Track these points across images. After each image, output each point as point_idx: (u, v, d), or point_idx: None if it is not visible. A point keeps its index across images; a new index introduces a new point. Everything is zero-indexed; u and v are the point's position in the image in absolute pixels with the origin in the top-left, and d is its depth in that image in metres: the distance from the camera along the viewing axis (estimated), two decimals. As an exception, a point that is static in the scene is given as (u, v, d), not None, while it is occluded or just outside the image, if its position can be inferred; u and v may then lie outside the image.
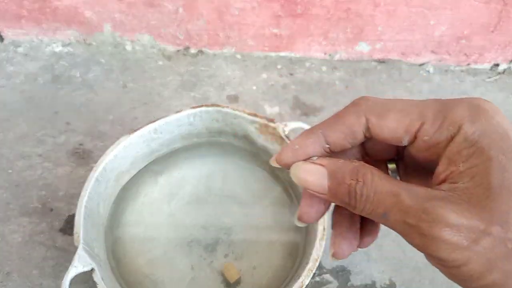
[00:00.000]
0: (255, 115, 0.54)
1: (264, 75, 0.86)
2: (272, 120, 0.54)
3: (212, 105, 0.55)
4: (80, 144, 0.68)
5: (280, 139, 0.53)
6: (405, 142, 0.18)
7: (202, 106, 0.55)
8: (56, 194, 0.61)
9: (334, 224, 0.21)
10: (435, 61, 0.91)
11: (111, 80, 0.81)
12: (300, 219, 0.20)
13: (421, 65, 0.91)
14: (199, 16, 0.82)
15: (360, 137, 0.19)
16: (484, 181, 0.15)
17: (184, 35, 0.85)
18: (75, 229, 0.43)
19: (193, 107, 0.55)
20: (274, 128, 0.53)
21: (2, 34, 0.85)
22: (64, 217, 0.59)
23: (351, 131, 0.19)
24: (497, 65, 0.92)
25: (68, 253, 0.55)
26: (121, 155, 0.52)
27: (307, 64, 0.89)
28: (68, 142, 0.69)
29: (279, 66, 0.88)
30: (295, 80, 0.85)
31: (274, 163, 0.20)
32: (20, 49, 0.86)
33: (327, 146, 0.19)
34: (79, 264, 0.39)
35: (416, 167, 0.20)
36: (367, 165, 0.18)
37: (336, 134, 0.19)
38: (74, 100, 0.76)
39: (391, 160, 0.21)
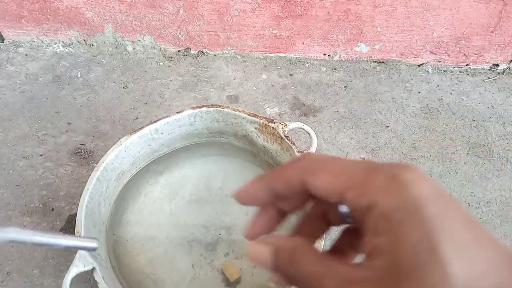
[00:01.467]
0: (255, 115, 0.54)
1: (264, 76, 0.86)
2: (272, 121, 0.54)
3: (213, 105, 0.56)
4: (81, 144, 0.69)
5: (280, 139, 0.54)
6: (337, 202, 0.19)
7: (202, 106, 0.56)
8: (57, 193, 0.62)
9: None
10: (434, 61, 0.91)
11: (112, 80, 0.81)
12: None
13: (420, 65, 0.92)
14: (199, 17, 0.82)
15: (299, 191, 0.20)
16: (395, 262, 0.15)
17: (185, 36, 0.86)
18: (76, 229, 0.43)
19: (194, 108, 0.55)
20: (274, 128, 0.54)
21: (2, 34, 0.85)
22: (65, 216, 0.59)
23: (291, 185, 0.20)
24: (497, 65, 0.92)
25: (69, 253, 0.55)
26: (122, 155, 0.52)
27: (307, 65, 0.90)
28: (69, 142, 0.69)
29: (279, 67, 0.89)
30: (295, 80, 0.86)
31: (233, 197, 0.23)
32: (20, 49, 0.86)
33: (274, 193, 0.21)
34: (80, 264, 0.39)
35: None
36: (300, 245, 0.19)
37: (279, 185, 0.20)
38: (75, 100, 0.76)
39: None
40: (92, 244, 0.26)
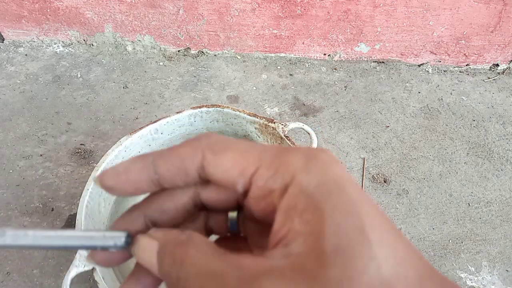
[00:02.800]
0: (255, 115, 0.54)
1: (264, 76, 0.86)
2: (272, 120, 0.54)
3: (213, 105, 0.55)
4: (81, 144, 0.69)
5: (280, 139, 0.54)
6: (240, 188, 0.16)
7: (202, 106, 0.55)
8: (57, 194, 0.62)
9: None
10: (434, 61, 0.91)
11: (112, 80, 0.81)
12: None
13: (420, 65, 0.92)
14: (199, 17, 0.82)
15: (192, 174, 0.16)
16: (317, 245, 0.13)
17: (185, 35, 0.86)
18: (76, 229, 0.43)
19: (194, 108, 0.55)
20: (274, 128, 0.53)
21: (2, 34, 0.85)
22: (65, 216, 0.59)
23: (183, 166, 0.16)
24: (497, 65, 0.92)
25: (69, 253, 0.55)
26: (122, 155, 0.52)
27: (307, 65, 0.90)
28: (69, 142, 0.69)
29: (279, 67, 0.89)
30: (295, 80, 0.86)
31: (96, 183, 0.17)
32: (20, 49, 0.86)
33: (156, 177, 0.17)
34: (80, 264, 0.39)
35: (256, 221, 0.17)
36: (193, 237, 0.15)
37: (167, 165, 0.16)
38: (75, 100, 0.76)
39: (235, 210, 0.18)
40: (119, 240, 0.16)
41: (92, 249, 0.16)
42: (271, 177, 0.15)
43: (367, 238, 0.13)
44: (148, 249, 0.16)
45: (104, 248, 0.16)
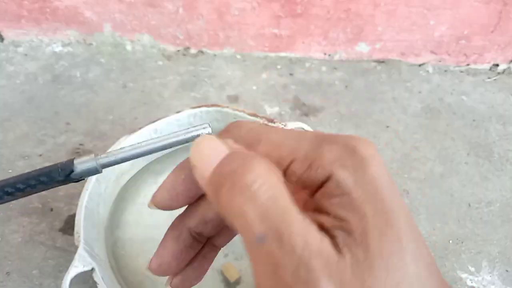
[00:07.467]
0: (255, 115, 0.54)
1: (264, 75, 0.86)
2: (272, 120, 0.54)
3: (212, 105, 0.55)
4: (81, 144, 0.68)
5: (280, 139, 0.53)
6: None
7: (202, 106, 0.55)
8: (56, 194, 0.61)
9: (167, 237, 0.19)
10: (434, 61, 0.91)
11: (111, 80, 0.81)
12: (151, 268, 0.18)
13: (420, 65, 0.91)
14: (199, 16, 0.82)
15: None
16: (366, 247, 0.13)
17: (184, 35, 0.85)
18: (76, 229, 0.43)
19: (193, 107, 0.55)
20: (274, 128, 0.53)
21: (2, 34, 0.85)
22: (64, 217, 0.59)
23: None
24: (497, 65, 0.92)
25: (68, 253, 0.55)
26: (121, 155, 0.52)
27: (307, 64, 0.89)
28: (68, 142, 0.69)
29: (279, 66, 0.88)
30: (295, 80, 0.85)
31: (151, 206, 0.18)
32: (20, 49, 0.86)
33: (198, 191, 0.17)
34: (80, 264, 0.39)
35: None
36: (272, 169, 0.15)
37: None
38: (74, 100, 0.76)
39: None
40: (206, 129, 0.20)
41: (185, 142, 0.20)
42: (305, 171, 0.14)
43: (405, 252, 0.13)
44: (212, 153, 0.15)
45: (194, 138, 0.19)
